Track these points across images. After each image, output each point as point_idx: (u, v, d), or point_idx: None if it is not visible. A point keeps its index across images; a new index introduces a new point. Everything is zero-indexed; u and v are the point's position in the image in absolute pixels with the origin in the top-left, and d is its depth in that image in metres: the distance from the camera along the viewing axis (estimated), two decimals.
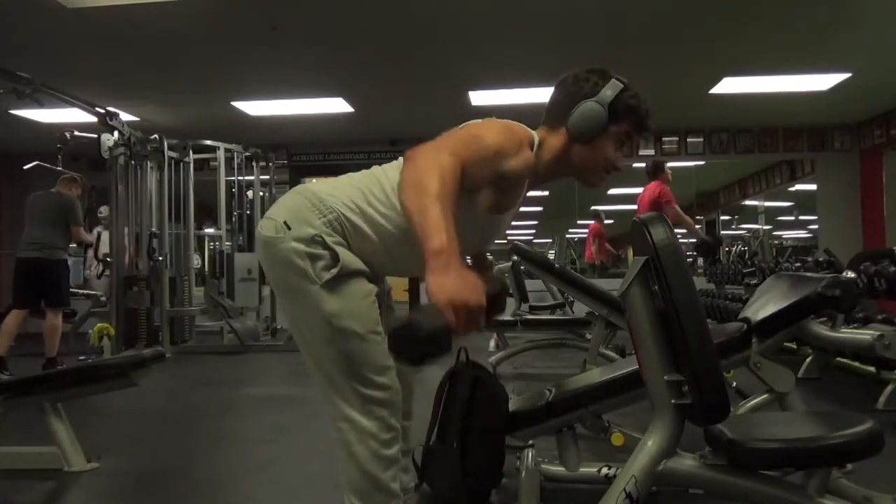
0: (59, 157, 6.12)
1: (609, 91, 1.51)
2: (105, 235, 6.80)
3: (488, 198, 1.49)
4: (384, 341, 1.54)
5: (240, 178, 7.47)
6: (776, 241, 12.10)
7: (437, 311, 1.10)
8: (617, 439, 1.97)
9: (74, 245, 5.49)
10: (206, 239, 9.36)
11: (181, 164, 6.78)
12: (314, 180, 1.64)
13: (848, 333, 2.57)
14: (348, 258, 1.49)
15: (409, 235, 1.51)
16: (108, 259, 6.36)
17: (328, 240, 1.48)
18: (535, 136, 1.54)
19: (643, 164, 8.52)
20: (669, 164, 6.34)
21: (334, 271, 1.47)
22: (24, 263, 5.16)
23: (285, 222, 1.49)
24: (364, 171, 1.61)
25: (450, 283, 1.12)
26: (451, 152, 1.30)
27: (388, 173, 1.56)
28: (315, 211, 1.49)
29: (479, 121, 1.51)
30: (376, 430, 1.48)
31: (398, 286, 8.21)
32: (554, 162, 1.56)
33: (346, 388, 1.48)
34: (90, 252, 6.69)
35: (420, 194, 1.22)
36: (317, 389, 1.55)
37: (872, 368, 3.97)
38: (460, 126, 1.51)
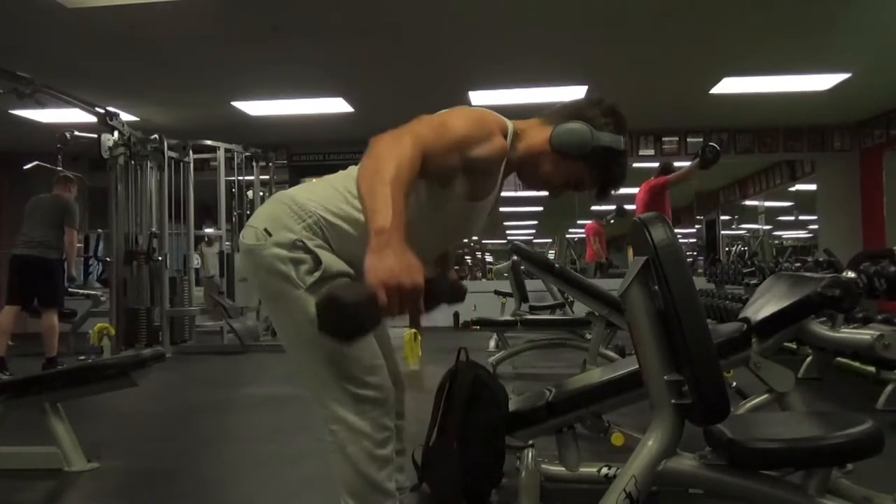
0: (59, 157, 6.13)
1: (607, 139, 1.51)
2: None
3: (463, 186, 1.49)
4: (373, 340, 1.54)
5: (240, 178, 7.47)
6: (776, 241, 12.10)
7: (365, 288, 1.11)
8: (617, 439, 1.97)
9: (67, 269, 5.46)
10: (206, 239, 9.37)
11: (181, 164, 6.79)
12: (314, 180, 1.64)
13: (848, 333, 2.57)
14: (331, 261, 1.49)
15: None
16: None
17: (310, 243, 1.48)
18: (510, 125, 1.54)
19: (644, 165, 8.55)
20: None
21: (317, 274, 1.46)
22: (18, 260, 5.17)
23: (266, 229, 1.49)
24: (341, 172, 1.61)
25: (386, 264, 1.12)
26: (412, 139, 1.31)
27: None
28: (294, 216, 1.49)
29: (451, 109, 1.50)
30: (370, 430, 1.47)
31: None
32: (526, 154, 1.55)
33: (338, 390, 1.48)
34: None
35: (373, 178, 1.24)
36: (308, 393, 1.55)
37: (872, 368, 3.97)
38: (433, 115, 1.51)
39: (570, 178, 1.57)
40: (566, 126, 1.51)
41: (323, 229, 1.50)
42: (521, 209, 13.53)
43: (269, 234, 1.49)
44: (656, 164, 6.54)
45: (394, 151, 1.27)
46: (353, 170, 1.59)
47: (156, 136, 6.44)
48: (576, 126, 1.50)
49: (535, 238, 18.12)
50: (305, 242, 1.48)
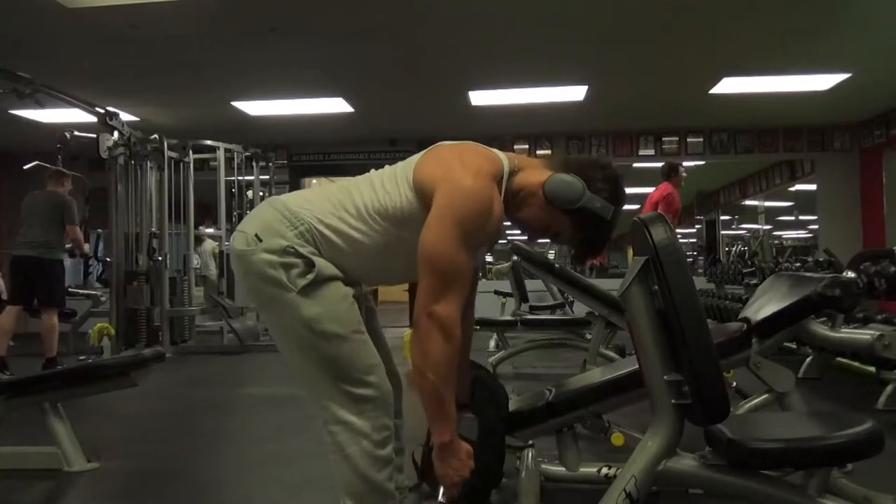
0: (59, 157, 6.12)
1: (598, 205, 1.52)
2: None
3: None
4: (369, 340, 1.54)
5: (240, 178, 7.47)
6: (776, 241, 12.09)
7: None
8: (617, 439, 1.97)
9: (69, 245, 5.47)
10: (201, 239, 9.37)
11: (181, 164, 6.78)
12: (314, 181, 1.65)
13: (848, 333, 2.56)
14: (323, 264, 1.49)
15: (382, 249, 1.52)
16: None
17: (301, 250, 1.48)
18: (506, 165, 1.55)
19: (644, 165, 8.53)
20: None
21: (310, 277, 1.47)
22: (18, 261, 5.16)
23: (256, 234, 1.50)
24: (338, 184, 1.62)
25: (453, 469, 1.48)
26: (450, 303, 1.40)
27: (361, 188, 1.56)
28: (286, 223, 1.50)
29: (449, 167, 1.48)
30: (369, 430, 1.47)
31: (398, 286, 8.23)
32: (517, 190, 1.57)
33: (336, 391, 1.48)
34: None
35: (425, 387, 1.42)
36: (307, 396, 1.54)
37: (872, 368, 3.97)
38: (433, 167, 1.51)
39: (550, 227, 1.58)
40: (562, 177, 1.53)
41: (315, 238, 1.50)
42: None
43: (260, 240, 1.49)
44: (658, 165, 6.54)
45: (439, 343, 1.39)
46: (349, 184, 1.60)
47: (156, 136, 6.44)
48: (571, 180, 1.52)
49: None
50: (297, 249, 1.48)
